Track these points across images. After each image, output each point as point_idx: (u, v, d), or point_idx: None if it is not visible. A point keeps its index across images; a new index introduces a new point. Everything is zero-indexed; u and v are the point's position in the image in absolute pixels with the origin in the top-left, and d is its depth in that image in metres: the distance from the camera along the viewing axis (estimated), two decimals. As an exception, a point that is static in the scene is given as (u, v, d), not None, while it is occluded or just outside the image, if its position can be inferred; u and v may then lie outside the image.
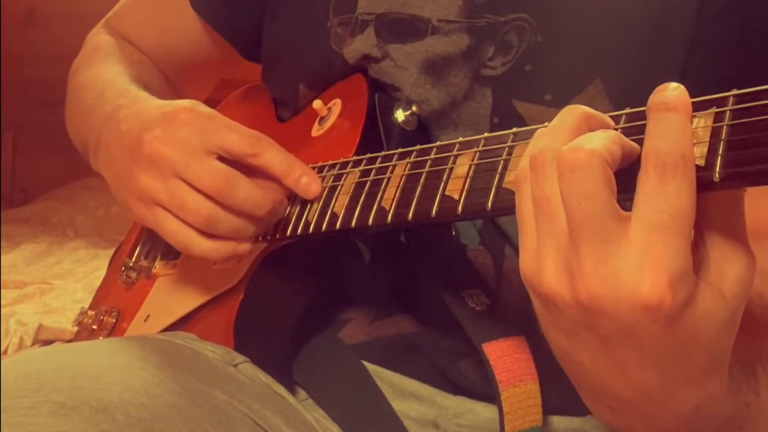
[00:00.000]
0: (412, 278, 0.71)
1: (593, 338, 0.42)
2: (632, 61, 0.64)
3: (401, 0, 0.71)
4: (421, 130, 0.70)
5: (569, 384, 0.47)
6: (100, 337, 0.85)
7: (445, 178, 0.55)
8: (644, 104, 0.41)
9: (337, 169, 0.66)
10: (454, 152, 0.56)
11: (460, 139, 0.56)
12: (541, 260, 0.42)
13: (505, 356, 0.61)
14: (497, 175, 0.50)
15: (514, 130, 0.52)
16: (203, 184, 0.64)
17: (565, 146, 0.40)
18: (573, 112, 0.43)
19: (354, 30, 0.73)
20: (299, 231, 0.66)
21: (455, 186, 0.53)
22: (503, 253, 0.69)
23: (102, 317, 0.86)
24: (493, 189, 0.50)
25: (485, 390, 0.66)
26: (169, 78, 0.94)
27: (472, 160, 0.54)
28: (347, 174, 0.65)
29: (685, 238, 0.39)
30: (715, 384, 0.43)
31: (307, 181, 0.66)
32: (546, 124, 0.45)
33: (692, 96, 0.41)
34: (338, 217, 0.62)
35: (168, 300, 0.80)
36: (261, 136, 0.66)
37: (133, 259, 0.89)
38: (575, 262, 0.40)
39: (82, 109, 0.81)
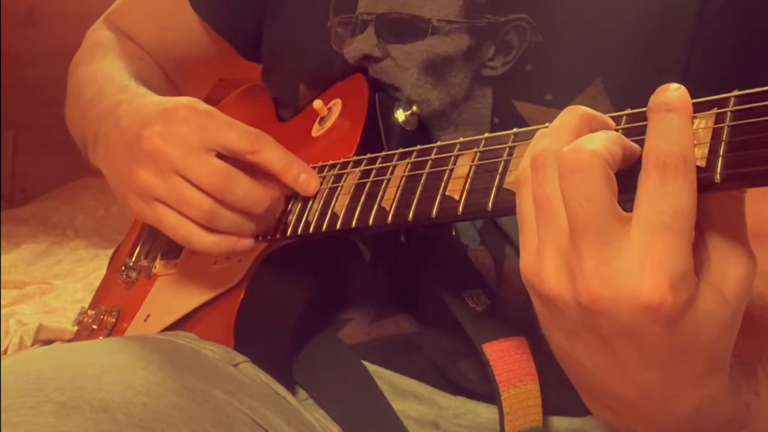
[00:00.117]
0: (412, 278, 0.71)
1: (594, 339, 0.42)
2: (632, 61, 0.64)
3: (401, 0, 0.71)
4: (422, 131, 0.70)
5: (569, 384, 0.47)
6: (100, 337, 0.85)
7: (445, 178, 0.55)
8: (645, 104, 0.41)
9: (337, 169, 0.66)
10: (455, 152, 0.56)
11: (461, 139, 0.56)
12: (542, 261, 0.42)
13: (506, 356, 0.61)
14: (498, 176, 0.50)
15: (515, 130, 0.52)
16: (202, 181, 0.64)
17: (566, 147, 0.40)
18: (574, 113, 0.43)
19: (354, 30, 0.73)
20: (299, 231, 0.66)
21: (456, 186, 0.53)
22: (504, 253, 0.69)
23: (102, 317, 0.86)
24: (494, 189, 0.50)
25: (485, 390, 0.66)
26: (168, 75, 0.94)
27: (473, 161, 0.54)
28: (347, 174, 0.65)
29: (685, 239, 0.39)
30: (716, 384, 0.43)
31: (306, 178, 0.66)
32: (547, 124, 0.45)
33: (693, 96, 0.41)
34: (338, 218, 0.62)
35: (168, 300, 0.80)
36: (260, 133, 0.66)
37: (133, 258, 0.89)
38: (576, 263, 0.40)
39: (82, 104, 0.81)
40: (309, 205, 0.66)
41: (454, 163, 0.55)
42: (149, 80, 0.83)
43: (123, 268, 0.88)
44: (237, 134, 0.65)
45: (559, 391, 0.57)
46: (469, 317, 0.63)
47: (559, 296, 0.41)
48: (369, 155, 0.64)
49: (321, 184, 0.66)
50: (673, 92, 0.40)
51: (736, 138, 0.39)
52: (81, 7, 2.04)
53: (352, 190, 0.63)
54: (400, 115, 0.69)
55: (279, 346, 0.72)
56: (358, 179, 0.63)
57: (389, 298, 0.72)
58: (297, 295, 0.73)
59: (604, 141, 0.40)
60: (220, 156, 0.65)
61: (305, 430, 0.67)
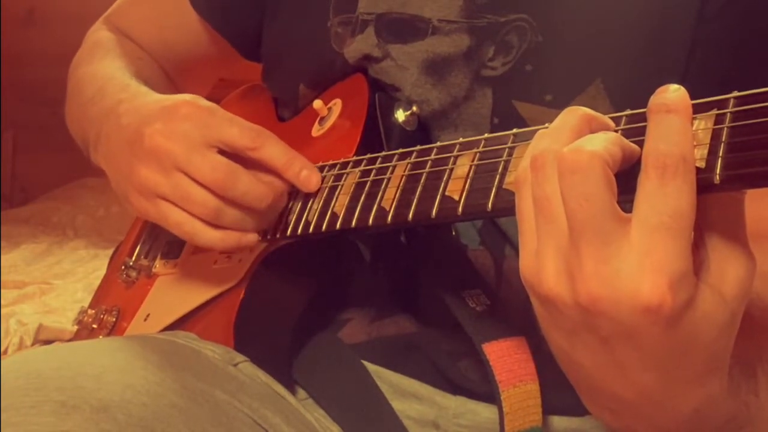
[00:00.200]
0: (412, 278, 0.71)
1: (593, 339, 0.42)
2: (632, 61, 0.64)
3: (401, 0, 0.71)
4: (422, 131, 0.70)
5: (569, 384, 0.47)
6: (100, 336, 0.85)
7: (445, 178, 0.55)
8: (644, 105, 0.41)
9: (337, 169, 0.66)
10: (455, 153, 0.56)
11: (461, 139, 0.56)
12: (541, 261, 0.42)
13: (505, 356, 0.61)
14: (498, 176, 0.51)
15: (515, 130, 0.52)
16: (204, 178, 0.64)
17: (566, 147, 0.40)
18: (574, 114, 0.43)
19: (354, 30, 0.73)
20: (299, 231, 0.66)
21: (455, 186, 0.53)
22: (503, 253, 0.69)
23: (102, 316, 0.86)
24: (494, 190, 0.50)
25: (485, 390, 0.66)
26: (169, 75, 0.94)
27: (473, 161, 0.54)
28: (347, 174, 0.65)
29: (685, 240, 0.39)
30: (715, 385, 0.43)
31: (307, 175, 0.66)
32: (547, 125, 0.45)
33: (692, 96, 0.41)
34: (338, 217, 0.62)
35: (168, 299, 0.80)
36: (261, 129, 0.67)
37: (133, 258, 0.89)
38: (575, 263, 0.40)
39: (82, 104, 0.81)
40: (309, 205, 0.66)
41: (454, 164, 0.55)
42: (149, 80, 0.83)
43: (123, 267, 0.88)
44: (239, 131, 0.65)
45: (558, 391, 0.57)
46: (469, 317, 0.63)
47: (559, 297, 0.41)
48: (369, 155, 0.64)
49: (321, 184, 0.67)
50: (673, 93, 0.40)
51: (735, 139, 0.39)
52: (81, 7, 2.04)
53: (352, 190, 0.63)
54: (400, 115, 0.69)
55: (279, 345, 0.72)
56: (358, 179, 0.63)
57: (389, 298, 0.73)
58: (297, 294, 0.73)
59: (604, 142, 0.40)
60: (222, 153, 0.65)
61: (305, 429, 0.67)
